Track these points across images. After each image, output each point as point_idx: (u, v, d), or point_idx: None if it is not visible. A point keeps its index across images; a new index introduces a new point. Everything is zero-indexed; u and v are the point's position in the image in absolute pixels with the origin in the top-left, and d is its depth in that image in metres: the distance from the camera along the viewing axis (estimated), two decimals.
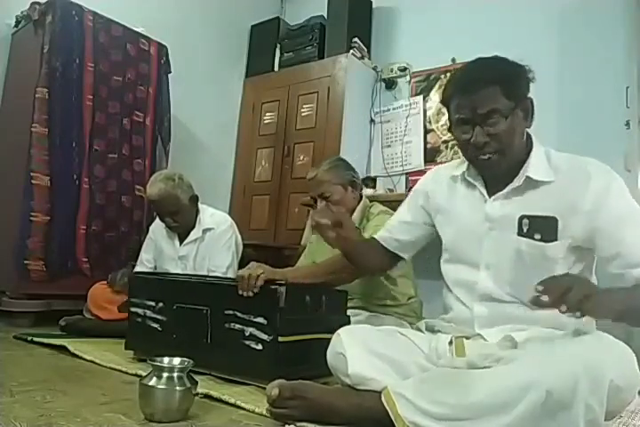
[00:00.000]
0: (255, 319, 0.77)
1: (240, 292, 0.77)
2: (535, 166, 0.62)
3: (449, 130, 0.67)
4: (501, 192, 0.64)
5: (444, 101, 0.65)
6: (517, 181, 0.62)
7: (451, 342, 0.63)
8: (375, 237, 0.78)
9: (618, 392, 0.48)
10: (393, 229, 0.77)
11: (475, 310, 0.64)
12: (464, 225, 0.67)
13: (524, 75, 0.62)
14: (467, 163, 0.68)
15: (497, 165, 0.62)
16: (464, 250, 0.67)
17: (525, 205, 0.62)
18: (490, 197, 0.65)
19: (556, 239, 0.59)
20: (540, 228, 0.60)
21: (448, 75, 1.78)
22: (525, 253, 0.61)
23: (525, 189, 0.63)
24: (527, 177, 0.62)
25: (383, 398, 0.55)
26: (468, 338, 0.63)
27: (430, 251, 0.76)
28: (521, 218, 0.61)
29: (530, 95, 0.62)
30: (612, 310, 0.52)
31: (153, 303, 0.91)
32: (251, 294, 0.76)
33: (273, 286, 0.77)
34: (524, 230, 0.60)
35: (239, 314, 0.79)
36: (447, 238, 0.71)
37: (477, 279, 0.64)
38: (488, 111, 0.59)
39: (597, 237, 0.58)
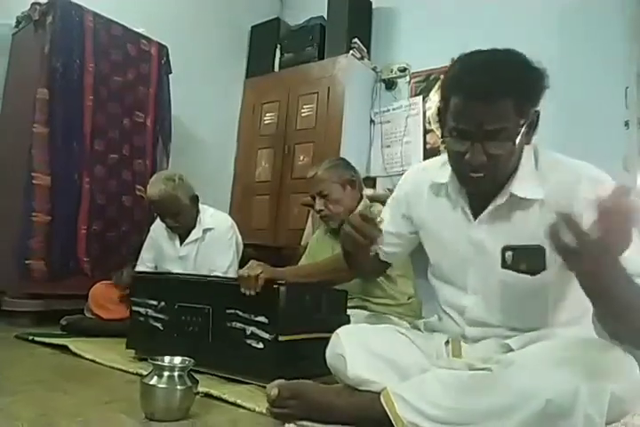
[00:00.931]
0: (256, 318, 0.77)
1: (242, 290, 0.77)
2: (521, 181, 0.56)
3: (437, 112, 0.57)
4: (485, 213, 0.58)
5: (444, 93, 0.56)
6: (500, 199, 0.57)
7: (447, 342, 0.63)
8: None
9: (619, 403, 0.47)
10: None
11: (466, 331, 0.62)
12: (448, 246, 0.63)
13: (542, 84, 0.53)
14: (449, 175, 0.62)
15: (484, 185, 0.56)
16: (450, 271, 0.64)
17: (510, 231, 0.56)
18: (474, 216, 0.60)
19: (544, 269, 0.53)
20: (526, 259, 0.53)
21: None
22: (512, 284, 0.57)
23: (511, 209, 0.57)
24: (511, 194, 0.56)
25: (382, 399, 0.55)
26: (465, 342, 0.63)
27: None
28: (504, 250, 0.54)
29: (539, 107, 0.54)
30: (610, 293, 0.44)
31: (155, 302, 0.91)
32: (253, 292, 0.76)
33: (274, 286, 0.77)
34: (508, 262, 0.54)
35: (240, 313, 0.79)
36: (431, 255, 0.67)
37: (466, 304, 0.62)
38: (495, 129, 0.51)
39: None
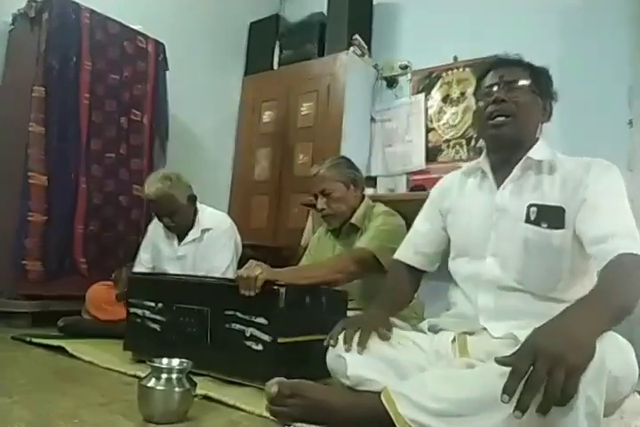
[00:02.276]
0: (256, 320, 0.76)
1: (242, 291, 0.77)
2: (535, 150, 0.67)
3: (473, 115, 0.77)
4: (508, 179, 0.67)
5: (477, 83, 0.72)
6: (520, 164, 0.67)
7: (454, 340, 0.63)
8: (399, 258, 0.77)
9: (615, 383, 0.47)
10: (417, 244, 0.77)
11: (479, 302, 0.65)
12: (473, 217, 0.69)
13: (550, 82, 0.70)
14: (482, 156, 0.72)
15: (507, 129, 0.65)
16: (471, 241, 0.69)
17: (534, 194, 0.65)
18: (498, 187, 0.68)
19: (562, 227, 0.61)
20: (547, 216, 0.62)
21: (449, 73, 1.76)
22: (532, 240, 0.62)
23: (534, 176, 0.66)
24: (528, 157, 0.66)
25: (383, 398, 0.55)
26: (471, 334, 0.63)
27: None
28: (529, 206, 0.63)
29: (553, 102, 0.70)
30: (600, 330, 0.47)
31: (152, 304, 0.90)
32: (252, 293, 0.76)
33: (274, 287, 0.76)
34: (532, 218, 0.62)
35: (239, 314, 0.78)
36: (456, 234, 0.72)
37: (483, 267, 0.66)
38: (513, 80, 0.66)
39: (577, 219, 0.61)
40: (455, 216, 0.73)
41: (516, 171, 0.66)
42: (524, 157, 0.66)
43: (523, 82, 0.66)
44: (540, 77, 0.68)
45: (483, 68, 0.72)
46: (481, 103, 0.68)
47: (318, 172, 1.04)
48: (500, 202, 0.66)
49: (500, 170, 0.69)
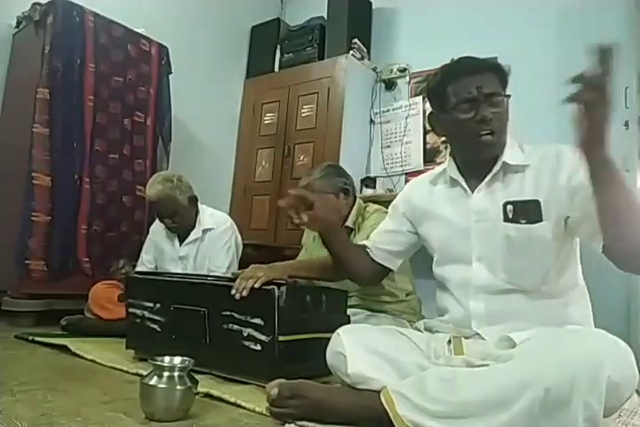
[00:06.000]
0: (252, 320, 0.76)
1: (232, 291, 0.76)
2: (510, 154, 0.66)
3: (428, 118, 0.71)
4: (482, 183, 0.67)
5: (437, 88, 0.67)
6: (495, 168, 0.66)
7: (449, 342, 0.64)
8: (363, 244, 0.80)
9: (615, 388, 0.48)
10: (377, 239, 0.79)
11: (471, 308, 0.65)
12: (450, 224, 0.69)
13: (507, 74, 0.68)
14: (447, 163, 0.71)
15: (494, 144, 0.64)
16: (453, 248, 0.68)
17: (507, 192, 0.65)
18: (472, 191, 0.68)
19: (541, 220, 0.61)
20: (525, 211, 0.62)
21: None
22: (514, 237, 0.63)
23: (504, 177, 0.66)
24: (504, 162, 0.65)
25: (382, 398, 0.56)
26: (466, 338, 0.64)
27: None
28: (505, 204, 0.64)
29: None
30: (609, 165, 0.51)
31: (150, 304, 0.90)
32: (244, 293, 0.75)
33: (269, 287, 0.76)
34: (510, 216, 0.62)
35: (236, 315, 0.78)
36: (435, 241, 0.72)
37: (471, 273, 0.65)
38: (491, 93, 0.64)
39: (577, 198, 0.59)
40: (430, 223, 0.72)
41: (490, 176, 0.65)
42: (500, 162, 0.65)
43: (500, 94, 0.64)
44: (505, 78, 0.66)
45: (444, 76, 0.66)
46: (459, 115, 0.64)
47: (308, 184, 1.03)
48: (475, 205, 0.66)
49: (470, 173, 0.68)
